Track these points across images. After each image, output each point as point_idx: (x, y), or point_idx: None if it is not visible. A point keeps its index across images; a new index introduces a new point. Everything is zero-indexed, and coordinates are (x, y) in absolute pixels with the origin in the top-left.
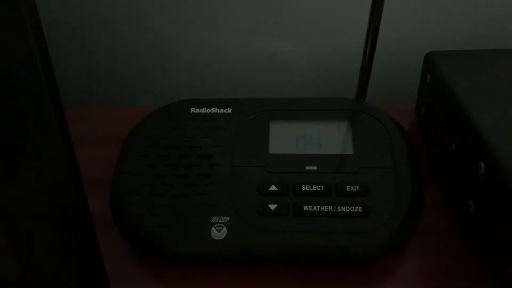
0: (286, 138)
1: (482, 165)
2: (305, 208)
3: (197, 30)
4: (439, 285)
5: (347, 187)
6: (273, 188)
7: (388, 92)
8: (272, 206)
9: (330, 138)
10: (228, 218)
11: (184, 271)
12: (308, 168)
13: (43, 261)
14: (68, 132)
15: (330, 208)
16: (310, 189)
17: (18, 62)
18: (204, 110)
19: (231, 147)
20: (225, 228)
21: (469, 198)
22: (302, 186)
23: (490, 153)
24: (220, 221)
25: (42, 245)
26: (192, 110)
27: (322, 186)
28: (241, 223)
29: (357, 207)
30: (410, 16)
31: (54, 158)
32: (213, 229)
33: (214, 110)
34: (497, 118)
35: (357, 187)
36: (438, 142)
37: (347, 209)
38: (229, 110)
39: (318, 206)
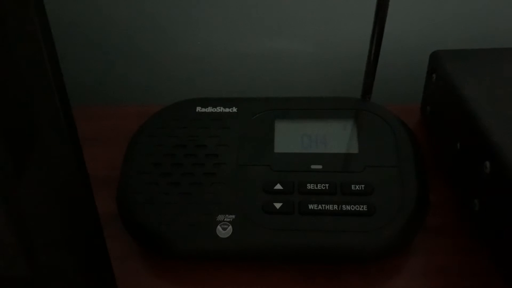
0: (291, 137)
1: (488, 164)
2: (310, 206)
3: (203, 29)
4: (444, 283)
5: (352, 186)
6: (278, 186)
7: (393, 91)
8: (277, 205)
9: (335, 137)
10: (233, 216)
11: (189, 269)
12: (313, 167)
13: (51, 259)
14: (76, 131)
15: (335, 206)
16: (315, 187)
17: (27, 62)
18: (210, 109)
19: (236, 146)
20: (230, 226)
21: (474, 197)
22: (307, 185)
23: (495, 152)
24: (225, 220)
25: (50, 243)
26: (198, 109)
27: (327, 185)
28: (246, 221)
29: (362, 206)
30: (416, 14)
31: (62, 157)
32: (218, 227)
33: (220, 109)
34: (502, 117)
35: (362, 186)
36: (444, 141)
37: (352, 207)
38: (235, 109)
39: (323, 205)
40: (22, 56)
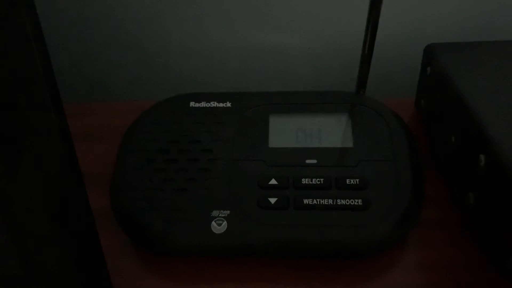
0: (286, 132)
1: (482, 157)
2: (305, 201)
3: (196, 23)
4: (439, 277)
5: (347, 180)
6: (273, 181)
7: (388, 85)
8: (272, 200)
9: (330, 132)
10: (228, 212)
11: (184, 265)
12: (308, 161)
13: (44, 257)
14: (68, 127)
15: (330, 201)
16: (310, 182)
17: (17, 58)
18: (203, 104)
19: (231, 141)
20: (225, 222)
21: (469, 190)
22: (302, 180)
23: (490, 145)
24: (220, 215)
25: (43, 241)
26: (192, 104)
27: (322, 180)
28: (241, 216)
29: (357, 200)
30: (410, 7)
31: (54, 154)
32: (213, 223)
33: (213, 104)
34: (497, 111)
35: (357, 180)
36: (438, 134)
37: (347, 202)
38: (229, 104)
39: (318, 200)
40: (11, 51)
